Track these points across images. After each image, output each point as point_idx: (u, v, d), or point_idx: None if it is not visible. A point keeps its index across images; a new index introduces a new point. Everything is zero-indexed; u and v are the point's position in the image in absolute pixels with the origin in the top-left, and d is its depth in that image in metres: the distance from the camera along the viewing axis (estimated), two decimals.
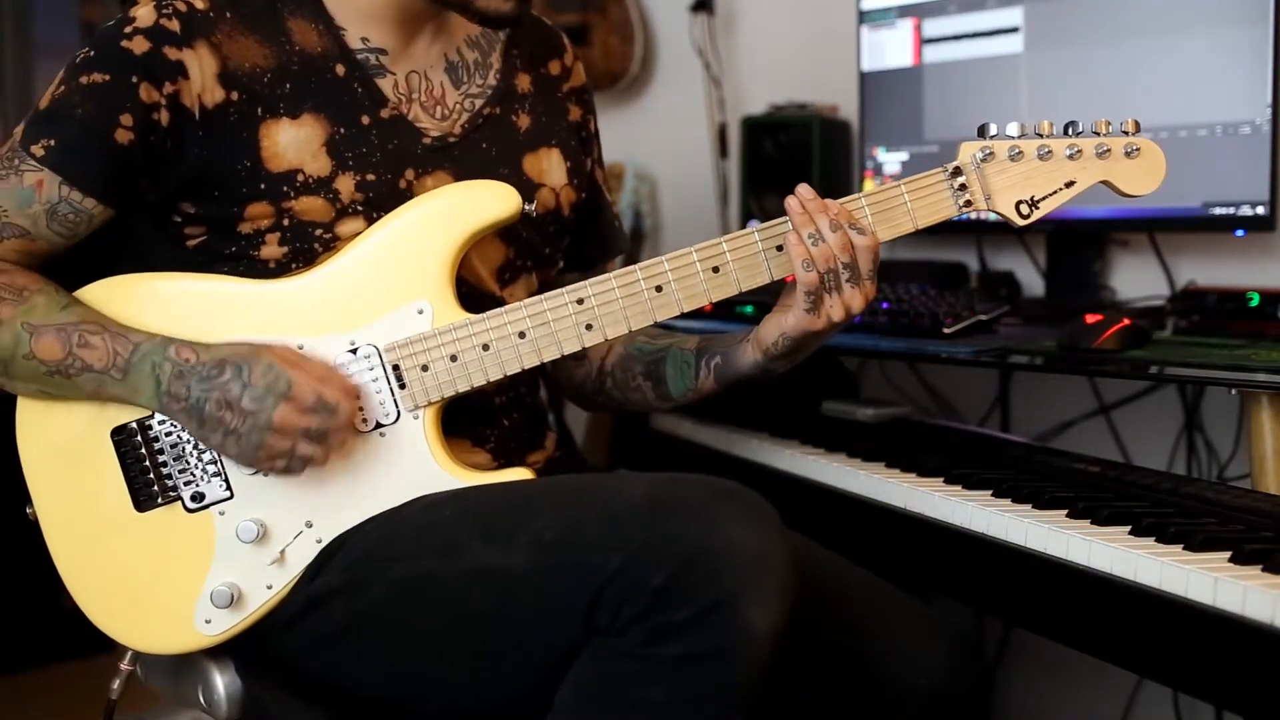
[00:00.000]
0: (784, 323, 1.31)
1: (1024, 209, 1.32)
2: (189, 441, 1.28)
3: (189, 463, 1.28)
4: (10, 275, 1.28)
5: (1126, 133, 1.32)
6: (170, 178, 1.30)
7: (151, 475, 1.29)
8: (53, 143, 1.26)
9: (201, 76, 1.28)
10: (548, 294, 1.31)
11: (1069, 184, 1.31)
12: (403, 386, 1.29)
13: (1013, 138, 1.32)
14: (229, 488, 1.28)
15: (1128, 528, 1.26)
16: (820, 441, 1.71)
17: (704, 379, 1.42)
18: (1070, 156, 1.31)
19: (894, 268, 2.20)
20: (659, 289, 1.30)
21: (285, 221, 1.30)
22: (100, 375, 1.25)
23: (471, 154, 1.39)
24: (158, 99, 1.27)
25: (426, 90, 1.38)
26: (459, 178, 1.36)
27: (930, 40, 2.09)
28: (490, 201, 1.31)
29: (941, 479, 1.50)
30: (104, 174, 1.28)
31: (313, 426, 1.22)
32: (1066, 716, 2.16)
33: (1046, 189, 1.32)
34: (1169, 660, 1.19)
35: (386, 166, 1.33)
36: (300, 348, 1.28)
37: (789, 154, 2.36)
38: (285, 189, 1.29)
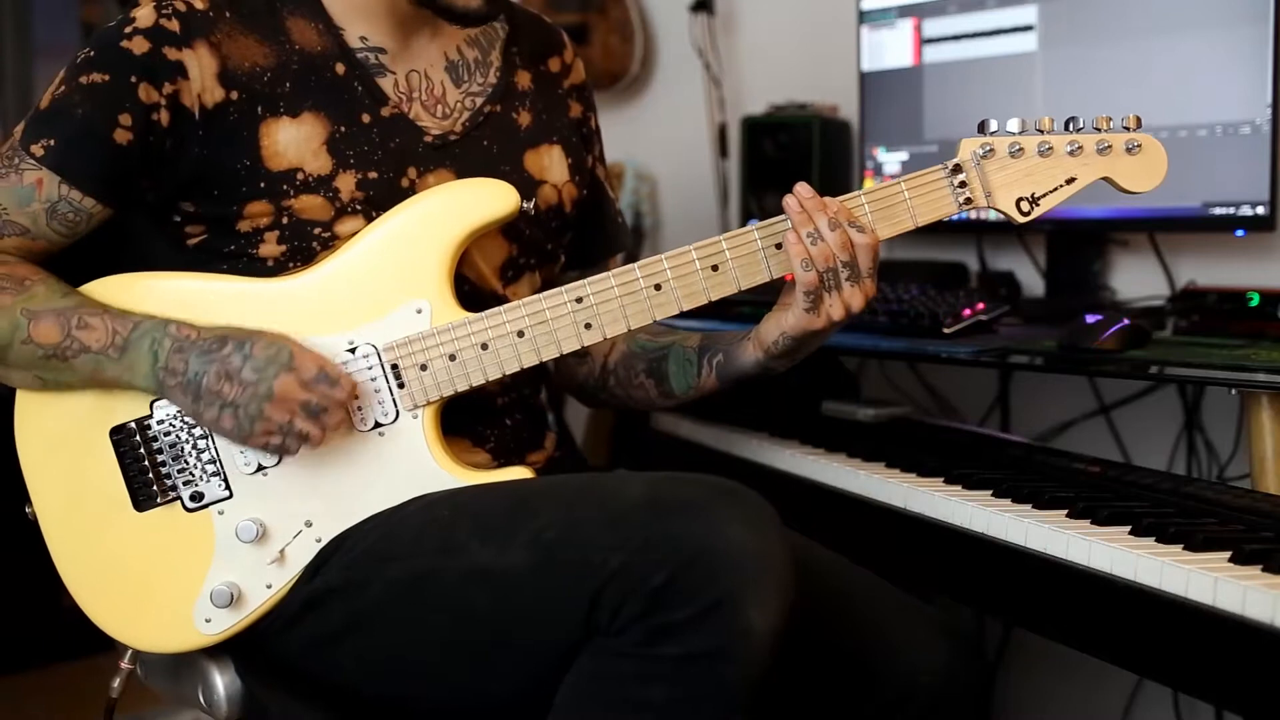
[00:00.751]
0: (784, 321, 1.31)
1: (1024, 206, 1.31)
2: (188, 441, 1.28)
3: (188, 462, 1.28)
4: (11, 266, 1.28)
5: (1128, 129, 1.31)
6: (170, 177, 1.30)
7: (150, 475, 1.29)
8: (52, 142, 1.27)
9: (201, 76, 1.28)
10: (546, 293, 1.30)
11: (1070, 180, 1.30)
12: (401, 386, 1.29)
13: (1013, 134, 1.31)
14: (228, 487, 1.28)
15: (1128, 528, 1.26)
16: (820, 441, 1.71)
17: (706, 377, 1.42)
18: (1071, 153, 1.30)
19: (894, 268, 2.20)
20: (658, 287, 1.30)
21: (284, 220, 1.30)
22: (98, 356, 1.25)
23: (473, 152, 1.39)
24: (157, 99, 1.27)
25: (427, 89, 1.39)
26: (461, 175, 1.36)
27: (930, 40, 2.09)
28: (488, 199, 1.31)
29: (941, 479, 1.50)
30: (103, 174, 1.28)
31: (313, 400, 1.21)
32: (1066, 716, 2.16)
33: (1047, 186, 1.31)
34: (1169, 660, 1.19)
35: (388, 165, 1.33)
36: None
37: (789, 154, 2.36)
38: (285, 187, 1.29)
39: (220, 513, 1.28)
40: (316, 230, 1.31)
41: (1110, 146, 1.30)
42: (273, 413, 1.21)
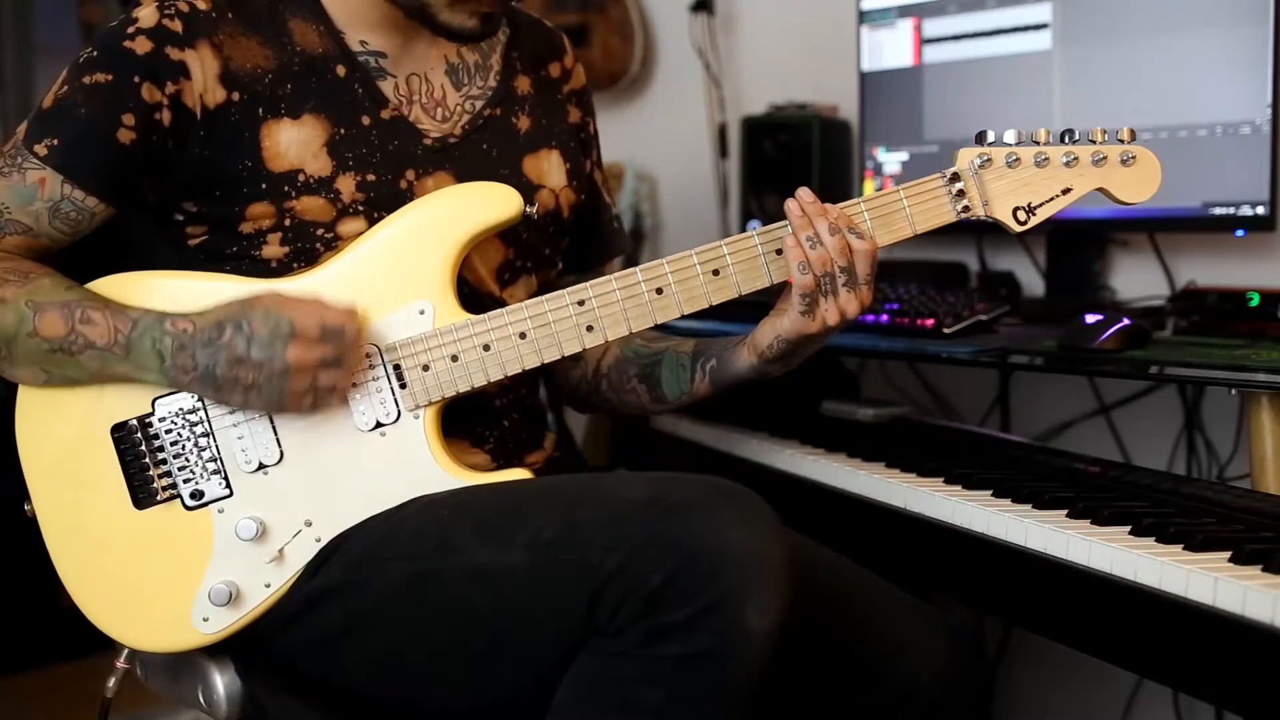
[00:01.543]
0: (779, 325, 1.32)
1: (1021, 215, 1.32)
2: (189, 439, 1.28)
3: (189, 460, 1.28)
4: (16, 261, 1.29)
5: (1123, 141, 1.32)
6: (172, 177, 1.30)
7: (151, 473, 1.29)
8: (55, 141, 1.27)
9: (203, 77, 1.28)
10: (549, 295, 1.31)
11: (1065, 191, 1.32)
12: (404, 386, 1.29)
13: (1010, 145, 1.32)
14: (228, 486, 1.28)
15: (1128, 528, 1.26)
16: (820, 441, 1.71)
17: (699, 382, 1.42)
18: (1067, 164, 1.32)
19: (894, 268, 2.20)
20: (659, 291, 1.31)
21: (287, 221, 1.30)
22: (103, 353, 1.25)
23: (472, 155, 1.39)
24: (160, 99, 1.27)
25: (427, 92, 1.39)
26: (460, 178, 1.37)
27: (930, 40, 2.09)
28: (492, 203, 1.32)
29: (941, 479, 1.50)
30: (106, 173, 1.28)
31: (327, 355, 1.22)
32: (1066, 716, 2.16)
33: (1043, 196, 1.32)
34: (1169, 660, 1.19)
35: (387, 167, 1.33)
36: None
37: (789, 154, 2.36)
38: (286, 189, 1.30)
39: (220, 511, 1.28)
40: (319, 231, 1.31)
41: (1105, 158, 1.32)
42: (294, 383, 1.21)
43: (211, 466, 1.28)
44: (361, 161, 1.32)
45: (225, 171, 1.29)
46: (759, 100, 2.54)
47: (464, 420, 1.36)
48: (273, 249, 1.31)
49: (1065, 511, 1.33)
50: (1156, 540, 1.22)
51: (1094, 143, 1.32)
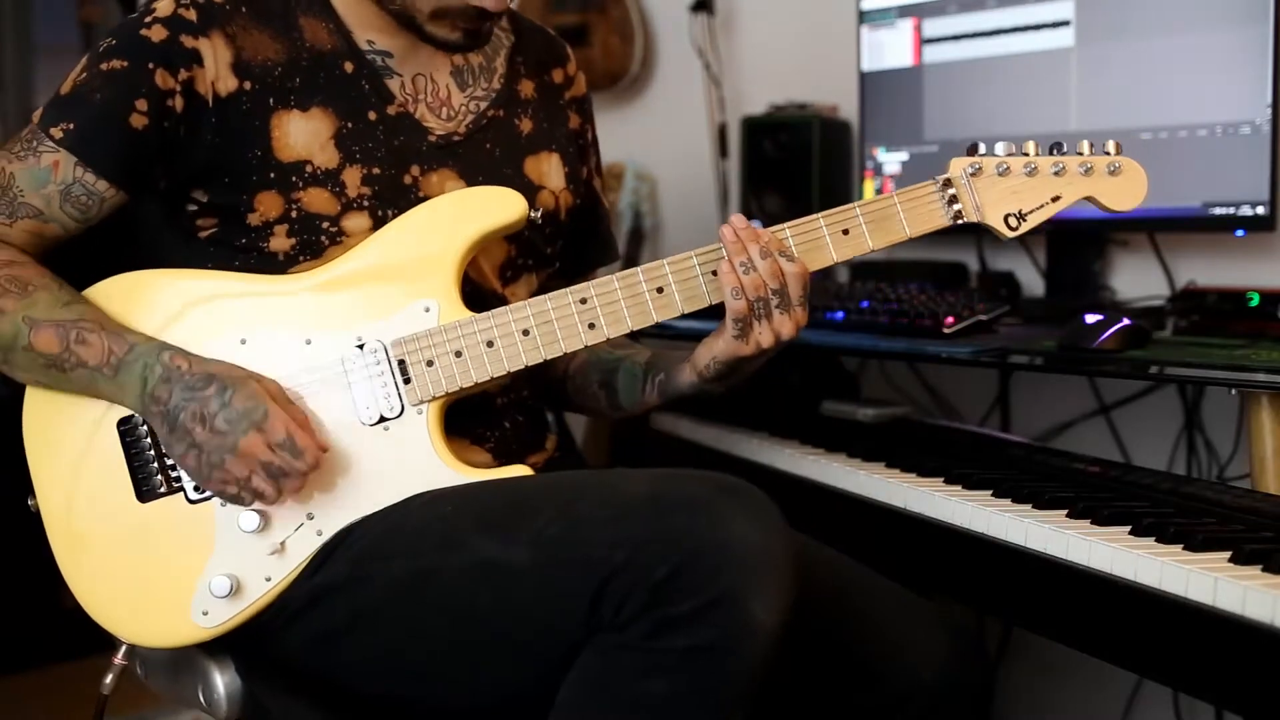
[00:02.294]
0: (715, 348, 1.34)
1: (1012, 221, 1.36)
2: None
3: None
4: (18, 269, 1.29)
5: (1108, 152, 1.37)
6: (182, 164, 1.32)
7: (155, 465, 1.30)
8: (71, 126, 1.29)
9: (216, 65, 1.31)
10: (551, 293, 1.32)
11: (1055, 199, 1.36)
12: (407, 381, 1.30)
13: (1000, 155, 1.36)
14: None
15: (1128, 528, 1.26)
16: (820, 441, 1.71)
17: (649, 393, 1.45)
18: (1056, 173, 1.35)
19: (894, 268, 2.20)
20: (660, 290, 1.32)
21: (294, 213, 1.32)
22: (93, 372, 1.26)
23: (475, 153, 1.41)
24: (173, 85, 1.30)
25: (432, 92, 1.41)
26: (463, 175, 1.39)
27: (930, 40, 2.09)
28: (498, 207, 1.34)
29: (941, 479, 1.50)
30: (118, 157, 1.30)
31: (274, 463, 1.23)
32: (1066, 716, 2.16)
33: (1033, 203, 1.36)
34: (1169, 660, 1.19)
35: (392, 162, 1.35)
36: (309, 342, 1.30)
37: (789, 154, 2.36)
38: (294, 179, 1.32)
39: (223, 504, 1.28)
40: (324, 224, 1.33)
41: (1092, 168, 1.36)
42: (232, 466, 1.22)
43: None
44: (368, 155, 1.34)
45: (235, 159, 1.31)
46: (759, 100, 2.54)
47: (466, 420, 1.37)
48: (279, 241, 1.32)
49: (1065, 511, 1.33)
50: (1156, 540, 1.22)
51: (1080, 154, 1.37)
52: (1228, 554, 1.16)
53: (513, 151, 1.45)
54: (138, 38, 1.30)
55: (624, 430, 2.21)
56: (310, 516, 1.28)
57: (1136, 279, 2.02)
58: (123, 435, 1.30)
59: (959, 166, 1.36)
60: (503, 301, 1.39)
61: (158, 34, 1.30)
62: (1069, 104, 1.90)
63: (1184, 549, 1.19)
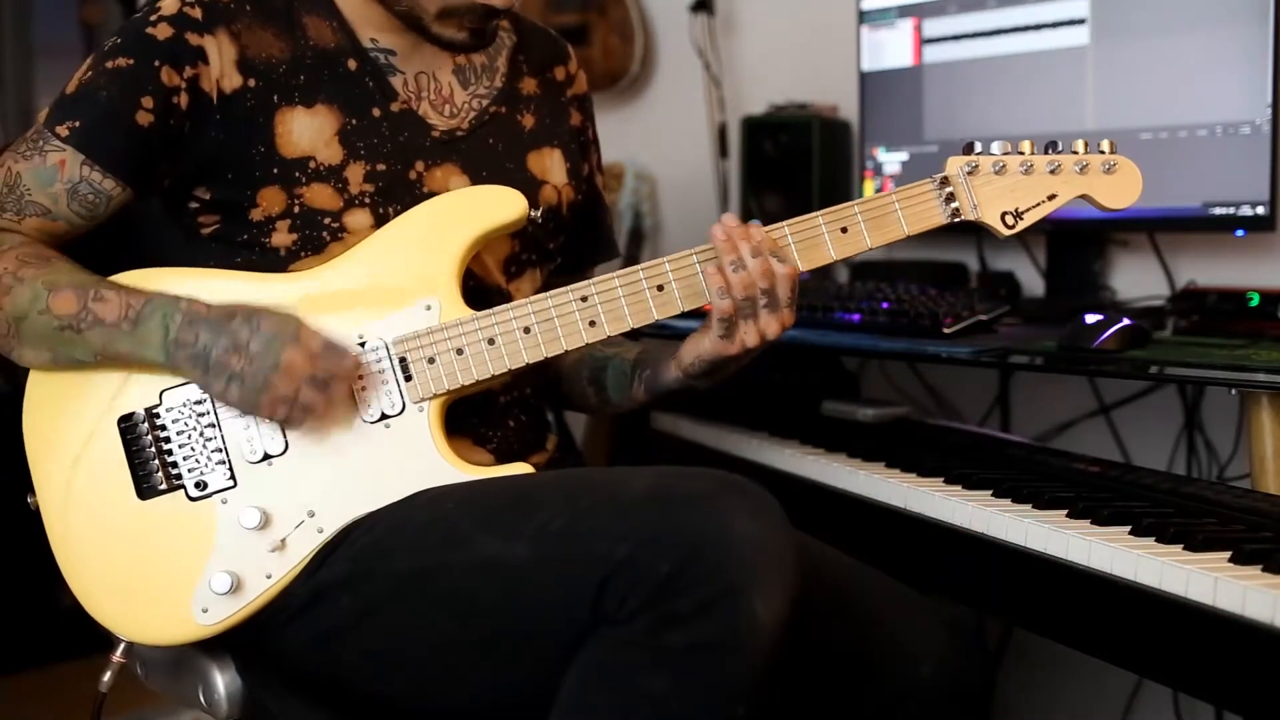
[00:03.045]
0: (700, 346, 1.34)
1: (1009, 219, 1.36)
2: (195, 429, 1.29)
3: (194, 450, 1.29)
4: (36, 247, 1.32)
5: (1103, 151, 1.38)
6: (187, 160, 1.33)
7: (155, 463, 1.30)
8: (77, 124, 1.30)
9: (220, 62, 1.32)
10: (553, 291, 1.33)
11: (1051, 197, 1.37)
12: (409, 379, 1.30)
13: (995, 154, 1.37)
14: (233, 477, 1.29)
15: (1128, 528, 1.26)
16: (820, 441, 1.71)
17: (636, 389, 1.46)
18: (1052, 171, 1.36)
19: (894, 268, 2.21)
20: (660, 288, 1.33)
21: (296, 209, 1.33)
22: (110, 329, 1.27)
23: (478, 149, 1.42)
24: (178, 82, 1.31)
25: (435, 90, 1.42)
26: (466, 170, 1.40)
27: (930, 40, 2.09)
28: (499, 206, 1.35)
29: (941, 479, 1.50)
30: (124, 154, 1.31)
31: (318, 371, 1.23)
32: (1066, 716, 2.16)
33: (1029, 201, 1.37)
34: (1169, 660, 1.19)
35: (396, 157, 1.36)
36: None
37: (789, 154, 2.36)
38: (297, 174, 1.33)
39: (224, 502, 1.29)
40: (326, 220, 1.33)
41: (1088, 165, 1.37)
42: (278, 384, 1.23)
43: (217, 457, 1.29)
44: (372, 151, 1.35)
45: (239, 155, 1.32)
46: (759, 100, 2.54)
47: (468, 420, 1.37)
48: (281, 237, 1.33)
49: (1065, 511, 1.33)
50: (1156, 540, 1.22)
51: (1075, 153, 1.37)
52: (1228, 554, 1.16)
53: (515, 147, 1.46)
54: (143, 36, 1.31)
55: (624, 430, 2.21)
56: (311, 514, 1.28)
57: (1136, 279, 2.02)
58: (123, 433, 1.30)
59: (955, 165, 1.36)
60: (507, 297, 1.40)
61: (163, 32, 1.31)
62: (1069, 104, 1.90)
63: (1184, 549, 1.19)
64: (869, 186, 2.20)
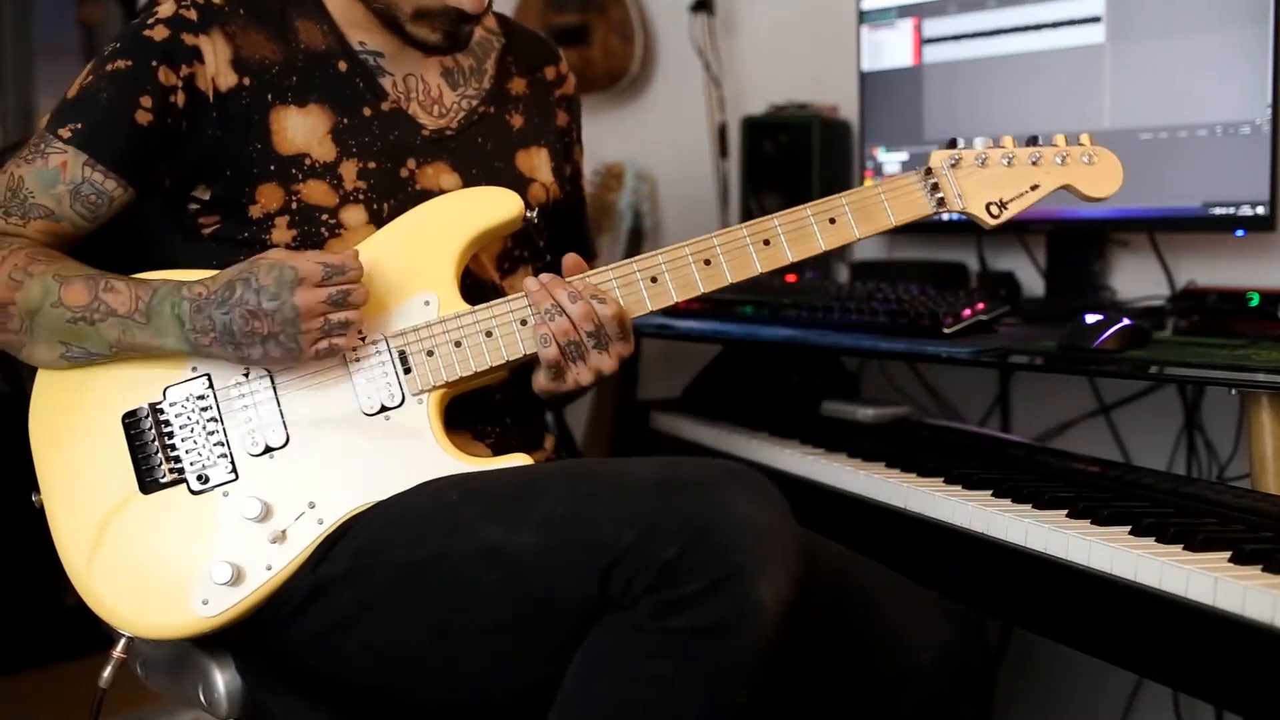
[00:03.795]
0: (537, 381, 1.37)
1: (994, 210, 1.41)
2: (198, 423, 1.31)
3: (196, 444, 1.30)
4: (44, 248, 1.34)
5: (1082, 144, 1.43)
6: (185, 158, 1.36)
7: (159, 457, 1.31)
8: (79, 126, 1.33)
9: (216, 61, 1.34)
10: None
11: (1034, 187, 1.42)
12: (408, 372, 1.32)
13: (977, 148, 1.41)
14: (234, 469, 1.30)
15: (1128, 528, 1.26)
16: (820, 441, 1.71)
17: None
18: (1034, 163, 1.42)
19: (894, 268, 2.20)
20: (654, 280, 1.35)
21: (294, 205, 1.35)
22: (124, 320, 1.29)
23: (468, 147, 1.45)
24: (175, 81, 1.33)
25: (424, 91, 1.45)
26: (456, 168, 1.43)
27: (930, 40, 2.09)
28: (497, 207, 1.38)
29: (941, 479, 1.50)
30: (125, 154, 1.33)
31: (334, 294, 1.25)
32: (1066, 717, 2.16)
33: (1012, 192, 1.42)
34: (1169, 660, 1.19)
35: (387, 155, 1.39)
36: None
37: (789, 154, 2.36)
38: (294, 171, 1.35)
39: (225, 494, 1.29)
40: (323, 216, 1.36)
41: (1068, 157, 1.43)
42: (308, 325, 1.25)
43: (218, 450, 1.30)
44: (364, 149, 1.38)
45: (236, 152, 1.35)
46: (759, 100, 2.54)
47: (467, 416, 1.38)
48: (281, 233, 1.35)
49: (1065, 511, 1.33)
50: (1156, 540, 1.22)
51: (1056, 146, 1.42)
52: (1228, 554, 1.16)
53: (504, 146, 1.49)
54: (141, 38, 1.34)
55: (624, 430, 2.21)
56: (311, 505, 1.29)
57: (1136, 279, 2.02)
58: (127, 429, 1.31)
59: (939, 159, 1.41)
60: (501, 293, 1.43)
61: (160, 33, 1.34)
62: (1069, 104, 1.90)
63: (1184, 549, 1.19)
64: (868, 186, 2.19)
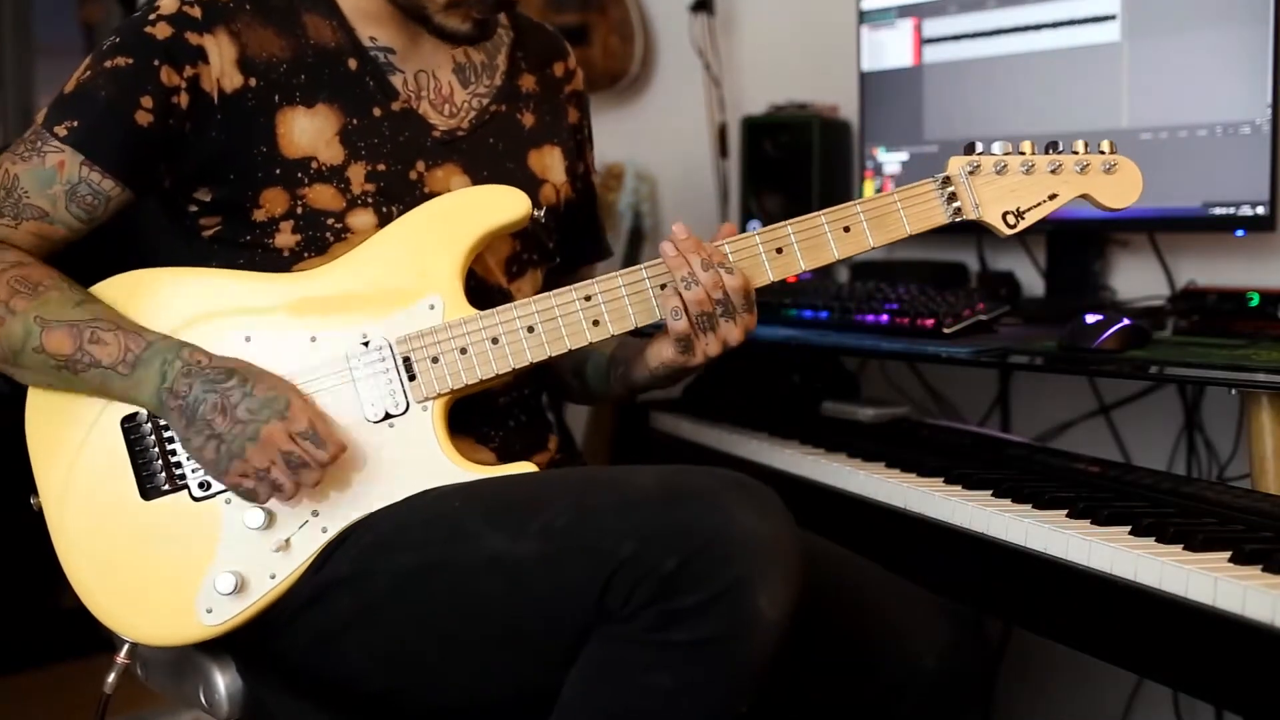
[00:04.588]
0: (662, 355, 1.36)
1: (1010, 219, 1.37)
2: None
3: None
4: (27, 269, 1.29)
5: (1103, 151, 1.38)
6: (187, 161, 1.33)
7: (159, 463, 1.30)
8: (76, 123, 1.29)
9: (221, 62, 1.31)
10: (556, 291, 1.33)
11: (1052, 196, 1.37)
12: (413, 379, 1.30)
13: (997, 154, 1.37)
14: None
15: (1128, 528, 1.26)
16: (820, 441, 1.71)
17: (614, 383, 1.48)
18: (1053, 171, 1.37)
19: (894, 268, 2.21)
20: (663, 286, 1.32)
21: (299, 209, 1.32)
22: (107, 371, 1.26)
23: (479, 148, 1.42)
24: (178, 82, 1.30)
25: (435, 89, 1.42)
26: (467, 170, 1.40)
27: (930, 40, 2.09)
28: (503, 205, 1.35)
29: (941, 479, 1.50)
30: (124, 155, 1.30)
31: (295, 452, 1.22)
32: (1066, 716, 2.16)
33: (1030, 201, 1.37)
34: (1169, 660, 1.19)
35: (397, 157, 1.36)
36: (313, 340, 1.30)
37: (789, 154, 2.36)
38: (300, 175, 1.32)
39: (227, 501, 1.28)
40: (329, 221, 1.33)
41: (1089, 165, 1.37)
42: (253, 456, 1.22)
43: None
44: (373, 151, 1.35)
45: (240, 156, 1.31)
46: (759, 100, 2.54)
47: (470, 420, 1.37)
48: (285, 238, 1.33)
49: (1065, 511, 1.33)
50: (1156, 540, 1.22)
51: (1076, 153, 1.38)
52: (1228, 554, 1.16)
53: (516, 146, 1.46)
54: (143, 35, 1.30)
55: (624, 430, 2.21)
56: (315, 513, 1.28)
57: (1136, 279, 2.02)
58: (126, 433, 1.30)
59: (957, 165, 1.36)
60: (509, 297, 1.40)
61: (163, 31, 1.30)
62: (1070, 104, 1.90)
63: (1184, 549, 1.19)
64: (869, 187, 2.20)
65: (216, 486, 1.29)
